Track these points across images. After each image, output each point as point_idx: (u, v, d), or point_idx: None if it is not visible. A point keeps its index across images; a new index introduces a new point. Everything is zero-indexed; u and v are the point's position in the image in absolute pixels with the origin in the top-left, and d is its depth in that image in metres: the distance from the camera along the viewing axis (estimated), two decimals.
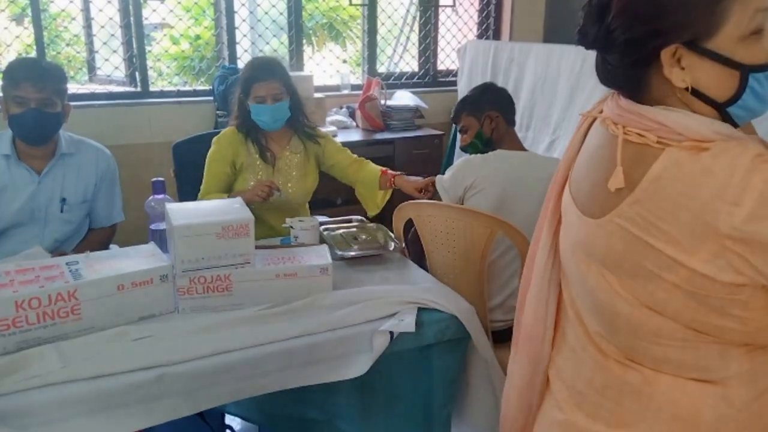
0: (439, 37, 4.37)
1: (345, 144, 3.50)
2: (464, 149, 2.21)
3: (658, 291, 0.81)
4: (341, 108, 3.91)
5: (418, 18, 4.29)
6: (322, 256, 1.70)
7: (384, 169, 2.34)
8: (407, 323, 1.54)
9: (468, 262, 1.93)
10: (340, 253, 1.87)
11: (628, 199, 0.82)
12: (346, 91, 4.02)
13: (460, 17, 4.41)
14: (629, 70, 0.85)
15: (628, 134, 0.84)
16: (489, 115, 2.14)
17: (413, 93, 4.04)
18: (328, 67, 4.21)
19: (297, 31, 3.85)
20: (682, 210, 0.76)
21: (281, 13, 3.83)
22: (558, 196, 1.01)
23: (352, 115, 3.85)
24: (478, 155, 2.13)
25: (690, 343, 0.83)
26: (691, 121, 0.79)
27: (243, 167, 2.19)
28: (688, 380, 0.85)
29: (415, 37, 4.37)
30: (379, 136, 3.68)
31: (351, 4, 4.02)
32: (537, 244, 1.05)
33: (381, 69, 4.26)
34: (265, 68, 2.16)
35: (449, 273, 1.99)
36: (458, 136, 3.53)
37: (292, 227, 1.91)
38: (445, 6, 4.29)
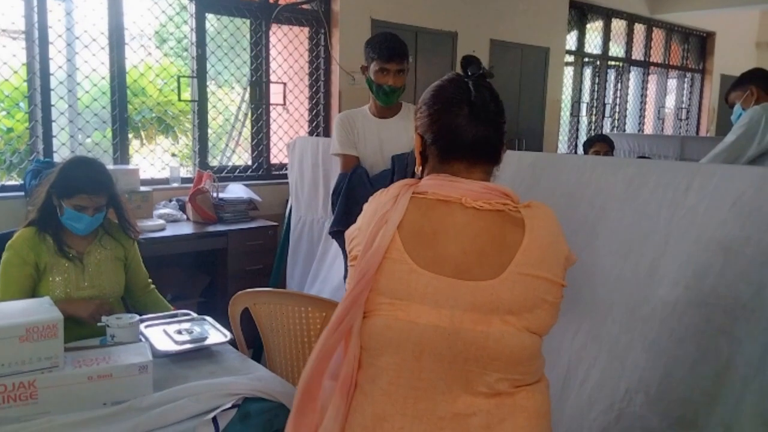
0: (272, 132, 4.51)
1: (175, 237, 3.46)
2: None
3: (544, 314, 1.09)
4: (170, 201, 3.82)
5: (249, 115, 4.42)
6: (140, 353, 1.62)
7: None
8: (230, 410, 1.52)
9: (305, 346, 1.95)
10: (162, 349, 1.80)
11: (519, 252, 1.08)
12: (176, 184, 3.95)
13: (291, 115, 4.62)
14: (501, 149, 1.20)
15: (494, 206, 1.12)
16: None
17: (247, 185, 4.08)
18: (157, 160, 4.14)
19: (121, 125, 3.77)
20: (554, 245, 1.11)
21: (104, 107, 3.74)
22: (379, 266, 1.08)
23: (182, 207, 3.78)
24: None
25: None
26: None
27: (47, 267, 2.04)
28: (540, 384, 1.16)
29: (248, 132, 4.47)
30: (211, 228, 3.63)
31: (180, 100, 4.05)
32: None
33: (214, 162, 4.28)
34: (94, 181, 2.05)
35: (287, 359, 2.00)
36: (291, 229, 3.61)
37: (108, 326, 1.80)
38: (276, 104, 4.48)
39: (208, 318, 2.05)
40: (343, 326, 1.11)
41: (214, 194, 3.74)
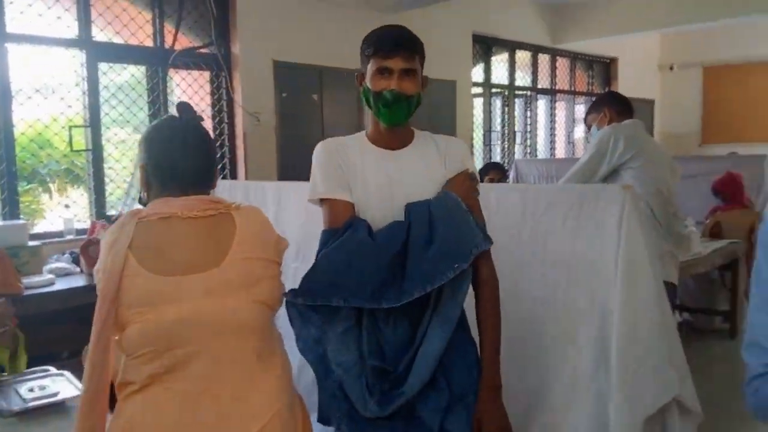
0: None
1: (66, 292, 3.35)
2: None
3: (267, 287, 1.37)
4: (63, 254, 3.73)
5: None
6: None
7: None
8: None
9: None
10: (5, 408, 1.75)
11: (235, 241, 1.36)
12: (70, 237, 3.87)
13: None
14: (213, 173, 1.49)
15: (206, 212, 1.37)
16: None
17: None
18: (67, 212, 4.07)
19: (10, 179, 3.68)
20: (262, 234, 1.42)
21: None
22: (118, 285, 1.27)
23: (76, 260, 3.69)
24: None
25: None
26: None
27: None
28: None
29: None
30: None
31: (72, 151, 3.99)
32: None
33: (114, 211, 4.21)
34: None
35: None
36: None
37: None
38: None
39: (66, 373, 2.00)
40: (102, 343, 1.28)
41: None
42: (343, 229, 1.57)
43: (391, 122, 1.62)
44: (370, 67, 1.61)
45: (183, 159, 1.40)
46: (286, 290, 1.50)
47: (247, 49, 4.72)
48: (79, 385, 1.90)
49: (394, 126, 1.63)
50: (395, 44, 1.57)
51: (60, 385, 1.92)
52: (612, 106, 2.86)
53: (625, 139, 2.66)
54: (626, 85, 8.88)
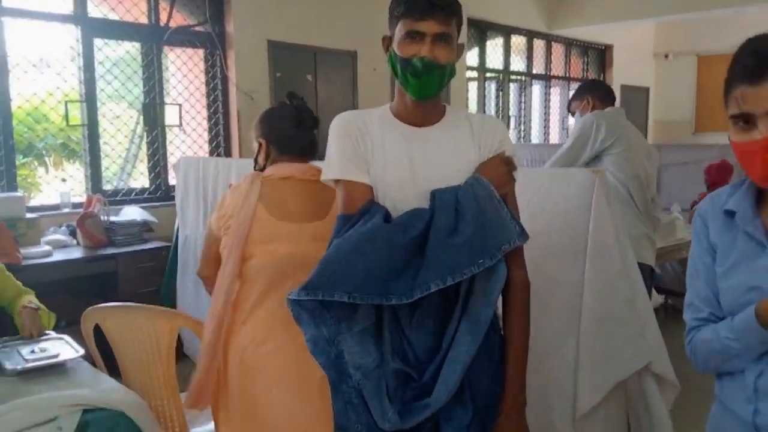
0: (169, 154, 4.55)
1: (62, 263, 3.45)
2: None
3: None
4: (60, 227, 3.81)
5: (144, 137, 4.44)
6: None
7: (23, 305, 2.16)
8: (67, 429, 1.57)
9: (155, 357, 2.02)
10: (9, 368, 1.84)
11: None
12: (66, 210, 3.94)
13: (188, 136, 4.67)
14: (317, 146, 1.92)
15: (315, 177, 1.72)
16: None
17: (144, 207, 4.10)
18: (64, 186, 4.13)
19: (7, 152, 3.74)
20: None
21: None
22: (248, 231, 1.76)
23: (72, 233, 3.77)
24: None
25: None
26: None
27: None
28: None
29: (144, 154, 4.50)
30: (102, 251, 3.64)
31: (68, 126, 4.04)
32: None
33: (109, 186, 4.29)
34: None
35: (141, 372, 2.06)
36: (179, 248, 3.64)
37: None
38: (172, 125, 4.52)
39: (66, 336, 2.10)
40: (234, 271, 1.74)
41: (104, 217, 3.75)
42: (359, 214, 1.39)
43: (420, 95, 1.41)
44: (399, 30, 1.39)
45: (299, 134, 1.87)
46: None
47: (241, 28, 4.75)
48: (78, 348, 2.01)
49: (423, 99, 1.42)
50: (429, 4, 1.35)
51: (60, 347, 2.01)
52: (595, 93, 2.95)
53: (607, 125, 2.75)
54: (621, 73, 8.94)
